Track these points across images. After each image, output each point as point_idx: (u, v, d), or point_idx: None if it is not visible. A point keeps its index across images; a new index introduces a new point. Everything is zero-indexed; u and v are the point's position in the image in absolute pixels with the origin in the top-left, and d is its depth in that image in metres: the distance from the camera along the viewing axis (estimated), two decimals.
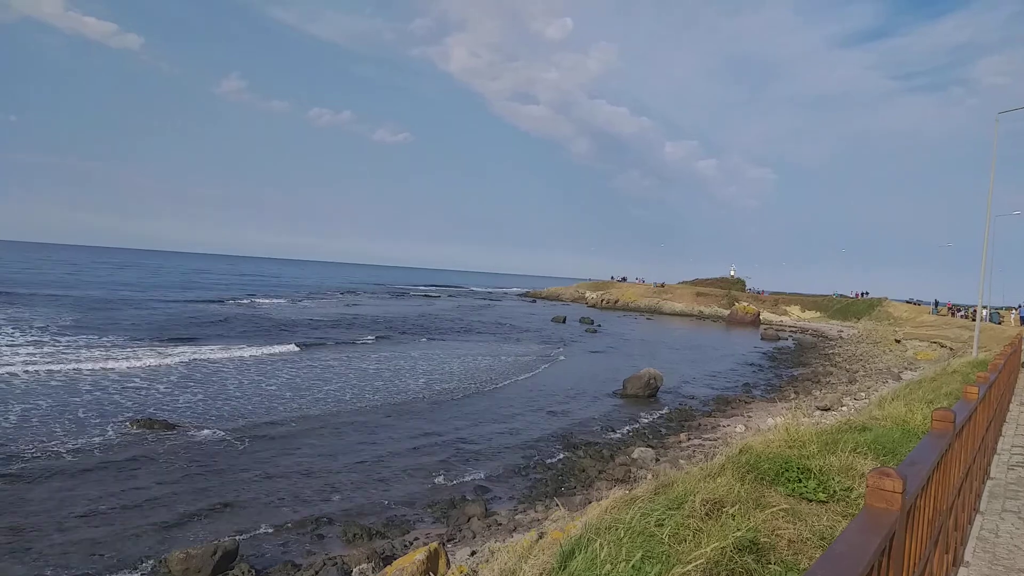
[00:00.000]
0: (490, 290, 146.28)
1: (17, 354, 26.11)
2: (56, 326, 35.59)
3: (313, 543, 11.26)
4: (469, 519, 12.34)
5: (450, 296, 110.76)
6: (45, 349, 27.95)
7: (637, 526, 4.56)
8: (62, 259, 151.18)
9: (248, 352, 31.08)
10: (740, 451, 6.98)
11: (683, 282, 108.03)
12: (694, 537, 4.43)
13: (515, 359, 36.05)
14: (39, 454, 14.64)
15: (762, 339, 60.33)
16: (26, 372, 22.90)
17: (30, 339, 30.08)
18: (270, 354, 31.05)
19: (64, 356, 26.58)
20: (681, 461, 15.46)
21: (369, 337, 41.03)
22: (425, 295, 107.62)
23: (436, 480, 14.85)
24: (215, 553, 9.71)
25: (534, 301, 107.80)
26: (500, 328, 54.64)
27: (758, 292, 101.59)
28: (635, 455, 16.91)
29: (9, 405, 18.39)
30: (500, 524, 12.06)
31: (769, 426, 16.40)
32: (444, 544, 10.65)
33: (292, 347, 33.81)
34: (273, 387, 23.79)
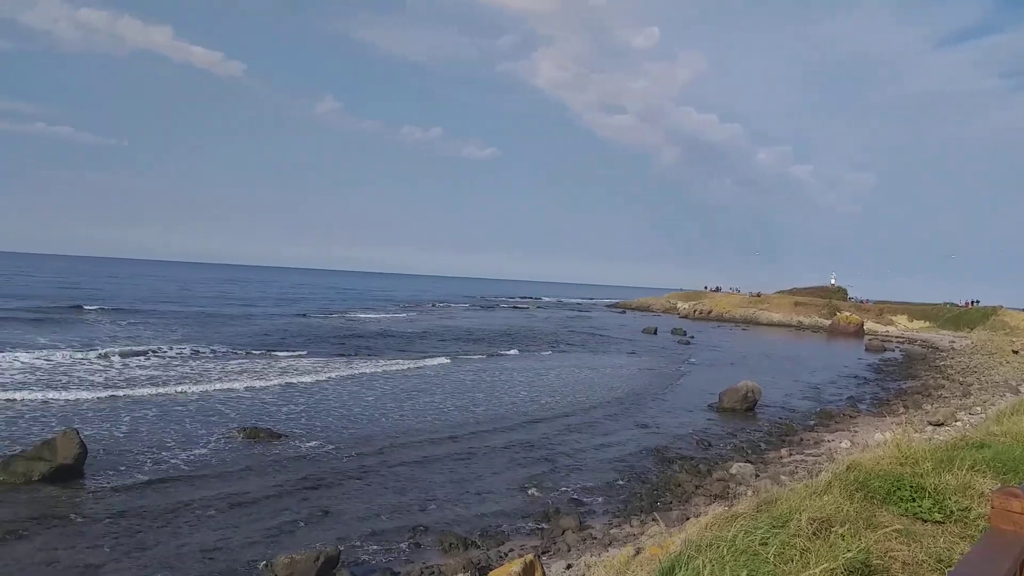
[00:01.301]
0: (579, 301, 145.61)
1: (127, 366, 27.73)
2: (166, 339, 37.59)
3: (410, 551, 11.47)
4: (563, 532, 12.29)
5: (539, 307, 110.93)
6: (153, 360, 29.60)
7: (740, 544, 4.45)
8: (175, 276, 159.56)
9: (349, 365, 32.02)
10: (848, 468, 6.70)
11: (780, 291, 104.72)
12: (801, 557, 4.29)
13: (610, 371, 35.86)
14: (151, 462, 15.47)
15: (867, 350, 57.73)
16: (134, 384, 24.27)
17: (139, 352, 31.79)
18: (371, 367, 31.81)
19: (173, 368, 28.10)
20: (783, 477, 14.96)
21: (465, 349, 41.57)
22: (515, 306, 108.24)
23: (530, 492, 14.88)
24: (318, 559, 10.01)
25: (624, 312, 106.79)
26: (591, 339, 54.38)
27: (861, 301, 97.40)
28: (733, 470, 16.46)
29: (120, 415, 19.52)
30: (595, 538, 11.96)
31: (877, 441, 15.69)
32: (539, 556, 10.65)
33: (392, 361, 34.58)
34: (371, 398, 24.44)
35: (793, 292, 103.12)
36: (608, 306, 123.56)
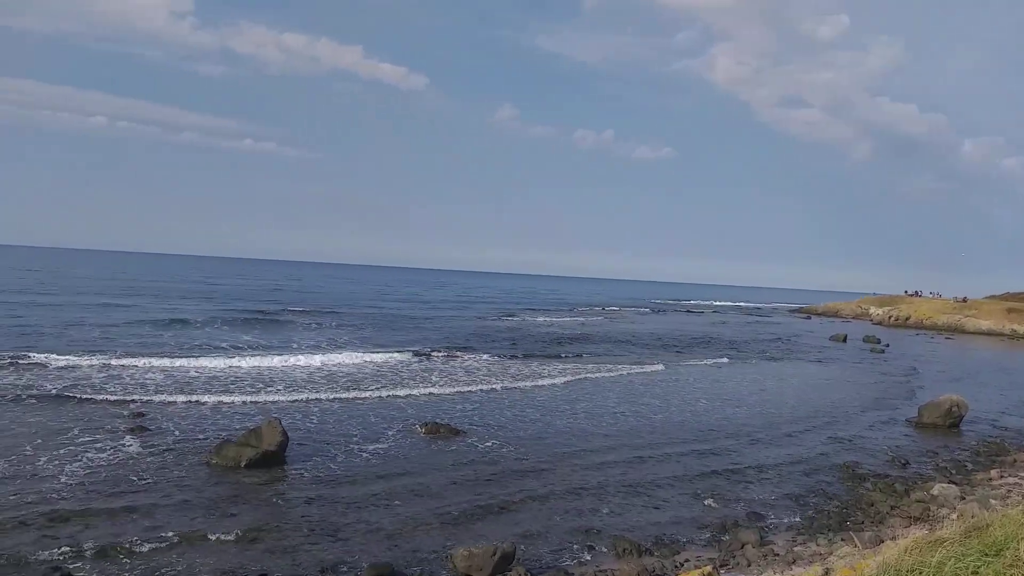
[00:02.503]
0: (758, 305, 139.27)
1: (323, 365, 29.70)
2: (356, 340, 40.10)
3: (584, 553, 11.49)
4: (743, 546, 11.82)
5: (715, 311, 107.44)
6: (343, 358, 31.44)
7: (948, 572, 4.07)
8: (367, 279, 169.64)
9: (533, 367, 32.78)
10: None
11: (990, 296, 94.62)
12: None
13: (797, 380, 34.42)
14: (341, 453, 16.56)
15: None
16: (324, 382, 26.11)
17: (330, 352, 34.03)
18: (547, 370, 32.30)
19: (361, 367, 29.97)
20: (993, 501, 13.52)
21: (641, 355, 41.04)
22: (688, 311, 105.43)
23: (706, 502, 14.45)
24: (495, 554, 10.28)
25: (809, 317, 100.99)
26: (773, 346, 52.02)
27: None
28: (935, 491, 15.09)
29: (311, 409, 21.06)
30: (777, 555, 11.40)
31: None
32: (717, 569, 10.34)
33: (567, 363, 35.05)
34: (545, 398, 24.91)
35: (1006, 297, 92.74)
36: (791, 311, 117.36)
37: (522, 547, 11.31)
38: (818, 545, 11.88)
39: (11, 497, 12.36)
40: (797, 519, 13.72)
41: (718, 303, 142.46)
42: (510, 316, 68.39)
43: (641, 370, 34.34)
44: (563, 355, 38.21)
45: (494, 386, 26.76)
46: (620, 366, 34.95)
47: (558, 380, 29.22)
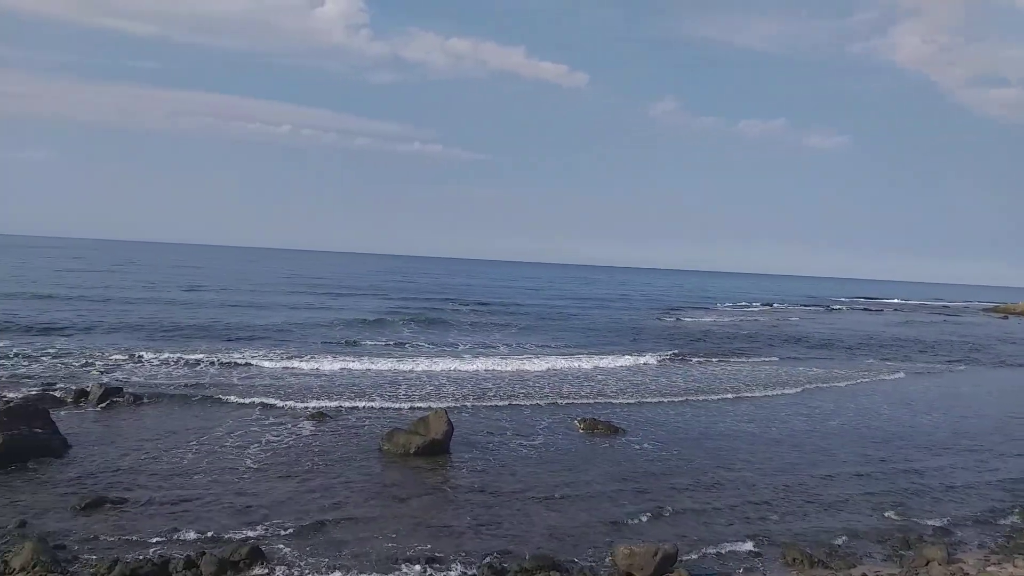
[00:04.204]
0: (945, 303, 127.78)
1: (484, 367, 30.47)
2: (517, 339, 40.35)
3: (750, 559, 11.07)
4: (927, 563, 10.95)
5: (896, 310, 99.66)
6: (500, 353, 32.42)
7: None
8: (535, 275, 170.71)
9: (709, 367, 32.27)
10: None
11: None
12: None
13: (995, 385, 31.87)
14: (501, 447, 16.93)
15: None
16: (480, 376, 27.03)
17: (490, 350, 34.77)
18: (760, 376, 31.81)
19: (519, 364, 30.64)
20: None
21: (860, 360, 38.26)
22: (866, 309, 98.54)
23: (885, 514, 13.50)
24: (656, 554, 10.13)
25: (1005, 317, 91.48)
26: (959, 347, 47.85)
27: None
28: None
29: (468, 401, 21.89)
30: (967, 574, 10.50)
31: None
32: None
33: (788, 365, 34.14)
34: (706, 396, 24.39)
35: None
36: (984, 310, 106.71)
37: (684, 549, 11.08)
38: (1015, 567, 10.84)
39: (204, 477, 13.64)
40: (992, 537, 12.55)
41: (895, 300, 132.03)
42: (675, 313, 66.82)
43: (879, 377, 32.05)
44: (766, 358, 36.59)
45: (671, 390, 25.76)
46: (854, 372, 32.87)
47: (789, 390, 27.05)
